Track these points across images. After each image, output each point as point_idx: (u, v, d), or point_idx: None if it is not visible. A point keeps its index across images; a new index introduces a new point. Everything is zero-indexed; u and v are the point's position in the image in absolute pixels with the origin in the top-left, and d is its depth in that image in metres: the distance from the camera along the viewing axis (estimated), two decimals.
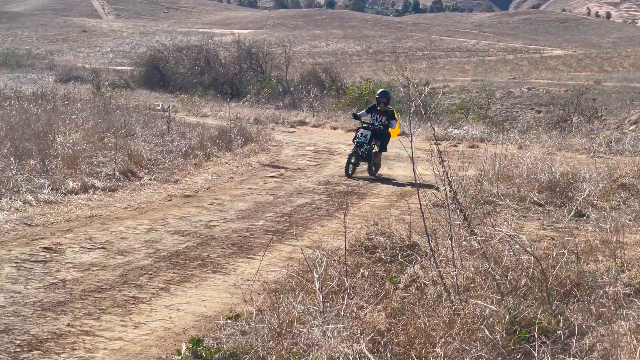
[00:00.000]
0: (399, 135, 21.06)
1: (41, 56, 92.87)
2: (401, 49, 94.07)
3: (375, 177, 20.52)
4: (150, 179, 17.09)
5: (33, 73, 63.55)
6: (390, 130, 20.79)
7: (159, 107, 36.76)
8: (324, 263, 8.42)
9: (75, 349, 7.14)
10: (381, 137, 20.72)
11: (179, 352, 6.97)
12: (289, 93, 47.95)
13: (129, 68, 65.04)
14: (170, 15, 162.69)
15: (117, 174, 16.69)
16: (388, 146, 21.13)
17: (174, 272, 10.01)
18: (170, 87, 53.55)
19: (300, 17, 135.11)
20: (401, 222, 12.00)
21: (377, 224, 11.41)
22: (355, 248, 10.59)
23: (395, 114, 21.03)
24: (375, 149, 20.81)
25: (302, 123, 36.43)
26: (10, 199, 13.31)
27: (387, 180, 19.92)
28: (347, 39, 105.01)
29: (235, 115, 36.44)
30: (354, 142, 20.80)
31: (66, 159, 16.64)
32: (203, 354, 6.85)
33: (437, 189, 12.86)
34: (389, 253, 10.21)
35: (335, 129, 34.93)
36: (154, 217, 13.39)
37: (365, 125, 20.92)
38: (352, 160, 20.28)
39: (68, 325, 7.72)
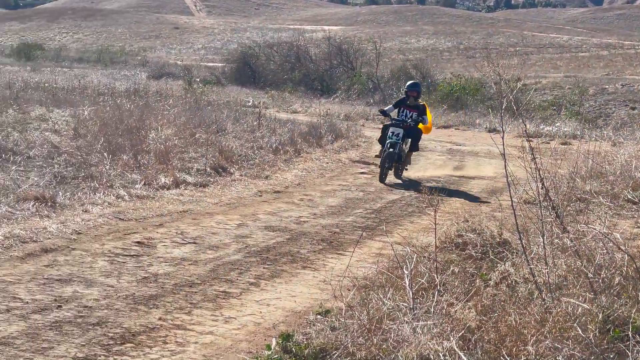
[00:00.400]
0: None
1: (134, 53, 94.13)
2: (492, 45, 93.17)
3: (403, 181, 18.32)
4: (241, 175, 17.19)
5: (126, 70, 64.46)
6: (421, 126, 18.67)
7: (250, 104, 36.96)
8: (414, 259, 8.35)
9: (167, 343, 7.19)
10: (413, 134, 18.54)
11: (268, 347, 6.97)
12: (379, 89, 47.84)
13: (220, 64, 65.52)
14: (261, 12, 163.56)
15: (208, 169, 16.82)
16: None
17: (264, 268, 10.04)
18: (260, 83, 53.80)
19: (390, 13, 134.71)
20: (492, 219, 11.87)
21: (467, 221, 11.30)
22: (446, 245, 10.50)
23: (427, 109, 18.91)
24: (405, 148, 18.54)
25: None
26: (103, 194, 13.50)
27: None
28: (437, 35, 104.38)
29: (325, 111, 36.47)
30: (380, 142, 18.81)
31: (158, 154, 16.83)
32: (293, 349, 6.85)
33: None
34: (480, 250, 10.10)
35: None
36: (245, 213, 13.46)
37: (394, 121, 18.44)
38: (387, 164, 17.92)
39: (160, 318, 7.79)
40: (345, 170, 19.63)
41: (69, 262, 9.60)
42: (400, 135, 18.05)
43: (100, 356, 6.76)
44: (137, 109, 23.29)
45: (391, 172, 18.29)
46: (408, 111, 18.67)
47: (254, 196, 15.18)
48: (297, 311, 8.37)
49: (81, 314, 7.73)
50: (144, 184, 14.66)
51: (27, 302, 7.97)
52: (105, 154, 16.31)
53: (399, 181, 18.24)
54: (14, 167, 14.84)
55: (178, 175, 15.61)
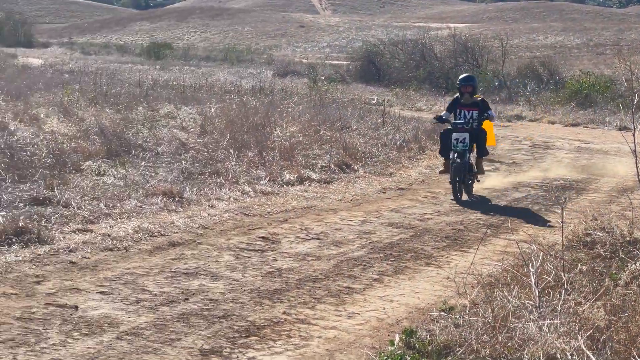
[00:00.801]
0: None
1: (260, 51, 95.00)
2: (624, 41, 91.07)
3: (474, 199, 15.35)
4: (365, 172, 17.21)
5: (252, 68, 65.08)
6: (486, 125, 15.69)
7: (374, 101, 36.94)
8: (540, 257, 8.23)
9: (291, 337, 7.24)
10: (479, 137, 15.46)
11: (392, 343, 6.96)
12: (505, 87, 47.26)
13: (344, 62, 65.63)
14: (387, 9, 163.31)
15: (332, 166, 16.89)
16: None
17: (387, 264, 10.03)
18: (385, 81, 53.69)
19: (518, 10, 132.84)
20: (622, 218, 11.60)
21: (596, 219, 11.08)
22: (573, 243, 10.33)
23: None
24: (473, 156, 15.59)
25: (518, 117, 35.76)
26: (229, 190, 13.68)
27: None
28: (566, 31, 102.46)
29: None
30: (441, 155, 15.89)
31: (283, 151, 16.97)
32: (416, 345, 6.82)
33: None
34: (609, 249, 9.90)
35: (552, 123, 34.13)
36: (368, 209, 13.47)
37: (455, 125, 15.37)
38: (458, 177, 14.88)
39: (284, 313, 7.85)
40: None
41: (196, 255, 9.76)
42: (467, 140, 15.02)
43: (225, 348, 6.85)
44: (262, 107, 23.54)
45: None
46: (466, 111, 15.52)
47: (377, 193, 15.18)
48: (420, 308, 8.34)
49: (207, 307, 7.84)
50: (269, 180, 14.80)
51: (156, 294, 8.13)
52: (231, 151, 16.53)
53: (469, 199, 15.21)
54: (143, 163, 15.17)
55: (302, 172, 15.71)
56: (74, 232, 10.29)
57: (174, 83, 36.22)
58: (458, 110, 15.58)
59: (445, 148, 15.38)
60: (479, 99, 15.73)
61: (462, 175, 14.84)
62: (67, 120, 20.21)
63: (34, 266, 8.81)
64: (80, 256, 9.30)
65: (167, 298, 8.04)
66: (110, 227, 10.61)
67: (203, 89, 34.00)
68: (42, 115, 21.29)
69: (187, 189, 13.28)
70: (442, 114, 15.88)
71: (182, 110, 23.68)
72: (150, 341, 6.88)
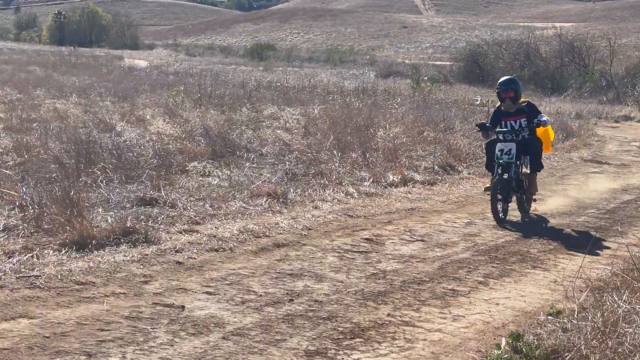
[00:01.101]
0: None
1: (362, 52, 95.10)
2: None
3: (530, 218, 13.35)
4: (469, 173, 17.08)
5: (355, 69, 65.16)
6: (541, 132, 13.51)
7: (478, 102, 36.66)
8: None
9: (396, 339, 7.21)
10: (530, 148, 13.30)
11: (498, 347, 6.87)
12: (613, 87, 46.45)
13: (447, 63, 65.30)
14: (491, 9, 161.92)
15: (436, 167, 16.80)
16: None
17: (492, 266, 9.93)
18: (489, 81, 53.21)
19: (626, 8, 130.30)
20: None
21: None
22: None
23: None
24: (524, 169, 13.56)
25: (627, 118, 35.10)
26: (333, 191, 13.70)
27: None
28: None
29: (555, 110, 35.74)
30: (488, 169, 13.75)
31: (386, 152, 16.94)
32: (523, 349, 6.73)
33: None
34: None
35: None
36: (473, 211, 13.35)
37: (501, 134, 13.19)
38: (500, 195, 12.68)
39: (388, 315, 7.82)
40: (576, 170, 19.15)
41: (300, 257, 9.79)
42: (513, 152, 12.86)
43: (330, 350, 6.85)
44: (365, 108, 23.55)
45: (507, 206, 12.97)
46: (512, 122, 13.32)
47: (482, 195, 15.01)
48: (527, 311, 8.22)
49: (312, 308, 7.86)
50: (372, 182, 14.77)
51: (261, 295, 8.17)
52: (334, 152, 16.55)
53: (525, 219, 13.28)
54: (247, 164, 15.31)
55: (406, 173, 15.66)
56: (180, 232, 10.42)
57: (277, 84, 36.51)
58: (503, 122, 13.33)
59: (491, 161, 13.27)
60: (523, 104, 13.52)
61: (505, 192, 12.67)
62: (172, 122, 20.53)
63: (141, 266, 8.94)
64: (186, 256, 9.41)
65: (272, 299, 8.08)
66: (215, 227, 10.71)
67: (306, 90, 34.19)
68: (147, 117, 21.67)
69: (291, 190, 13.36)
70: (488, 124, 13.69)
71: (286, 112, 23.84)
72: (256, 342, 6.92)
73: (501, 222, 12.48)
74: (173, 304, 7.73)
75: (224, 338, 6.94)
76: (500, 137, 13.12)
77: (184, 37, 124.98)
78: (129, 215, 10.65)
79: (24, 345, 6.53)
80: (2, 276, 8.22)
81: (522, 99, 13.54)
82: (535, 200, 13.68)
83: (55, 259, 8.92)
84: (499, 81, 13.69)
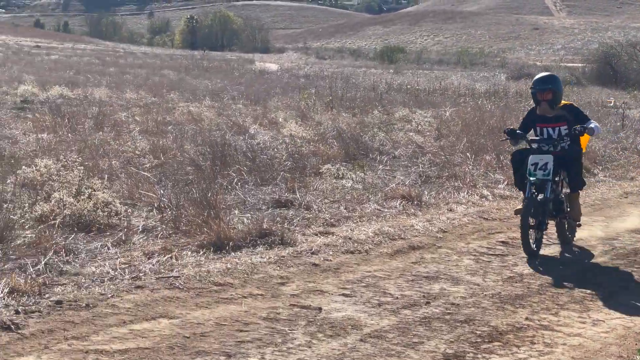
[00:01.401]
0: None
1: (493, 54, 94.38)
2: None
3: (576, 250, 10.72)
4: (605, 176, 16.75)
5: (485, 71, 64.68)
6: (584, 141, 10.95)
7: (611, 104, 35.91)
8: None
9: (534, 343, 7.11)
10: (569, 161, 10.51)
11: None
12: None
13: (579, 65, 64.32)
14: (624, 10, 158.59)
15: None
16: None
17: (632, 270, 9.72)
18: (622, 83, 52.18)
19: None
20: None
21: None
22: None
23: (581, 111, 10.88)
24: (564, 188, 10.90)
25: None
26: (467, 193, 13.61)
27: None
28: None
29: None
30: (518, 187, 11.13)
31: None
32: None
33: None
34: None
35: None
36: (610, 214, 13.08)
37: (534, 144, 10.58)
38: (533, 221, 10.02)
39: (526, 318, 7.72)
40: None
41: (436, 259, 9.75)
42: (550, 166, 10.12)
43: (468, 353, 6.80)
44: (497, 110, 23.30)
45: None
46: (550, 129, 10.62)
47: (619, 198, 14.71)
48: None
49: (449, 311, 7.81)
50: (507, 184, 14.60)
51: (397, 298, 8.16)
52: (467, 154, 16.44)
53: (566, 253, 10.68)
54: (380, 166, 15.33)
55: None
56: (316, 234, 10.49)
57: (408, 87, 36.45)
58: (538, 128, 10.75)
59: (522, 177, 10.53)
60: (565, 108, 10.71)
61: (540, 217, 10.09)
62: (305, 124, 20.67)
63: (278, 267, 9.03)
64: (322, 258, 9.46)
65: (409, 301, 8.06)
66: (350, 230, 10.74)
67: (437, 92, 34.05)
68: (280, 119, 21.88)
69: (426, 193, 13.32)
70: (517, 130, 10.86)
71: (417, 114, 23.76)
72: (393, 344, 6.91)
73: (533, 255, 10.01)
74: (310, 305, 7.78)
75: (361, 340, 6.96)
76: (535, 146, 10.55)
77: (314, 41, 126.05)
78: (264, 217, 10.77)
79: (164, 344, 6.66)
80: (143, 277, 8.40)
81: (563, 102, 10.80)
82: (580, 225, 10.94)
83: (194, 260, 9.08)
84: (535, 78, 10.94)
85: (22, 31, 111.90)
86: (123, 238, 9.73)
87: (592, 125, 10.34)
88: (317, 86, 34.00)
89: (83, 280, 8.12)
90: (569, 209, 10.67)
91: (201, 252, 9.35)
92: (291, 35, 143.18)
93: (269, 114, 23.35)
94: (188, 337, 6.84)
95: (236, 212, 11.20)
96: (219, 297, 7.92)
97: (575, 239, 10.96)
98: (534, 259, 9.89)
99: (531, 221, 9.93)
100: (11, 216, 9.80)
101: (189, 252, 9.33)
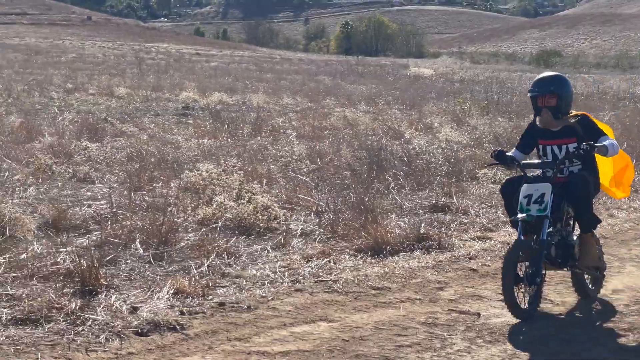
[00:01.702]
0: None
1: None
2: None
3: (597, 308, 8.10)
4: None
5: None
6: (602, 162, 8.29)
7: None
8: None
9: None
10: (576, 191, 7.80)
11: None
12: None
13: None
14: None
15: None
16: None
17: None
18: None
19: None
20: None
21: None
22: None
23: (595, 122, 8.11)
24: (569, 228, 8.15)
25: None
26: (629, 199, 13.24)
27: None
28: None
29: None
30: (512, 224, 8.31)
31: None
32: None
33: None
34: None
35: None
36: None
37: (528, 170, 8.01)
38: (522, 269, 7.50)
39: None
40: None
41: None
42: (547, 198, 7.59)
43: None
44: None
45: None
46: (556, 146, 8.06)
47: None
48: None
49: (612, 319, 7.66)
50: None
51: (557, 304, 8.05)
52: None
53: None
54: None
55: None
56: (473, 239, 10.44)
57: None
58: (541, 146, 8.24)
59: (511, 211, 8.05)
60: (574, 118, 8.06)
61: (533, 266, 7.46)
62: (460, 129, 20.56)
63: (435, 272, 9.02)
64: (480, 264, 9.41)
65: (569, 307, 7.94)
66: (508, 234, 10.61)
67: (595, 96, 33.36)
68: (435, 124, 21.82)
69: None
70: (509, 153, 8.34)
71: None
72: (554, 351, 6.81)
73: (522, 317, 7.39)
74: (468, 310, 7.74)
75: (521, 348, 6.87)
76: (531, 174, 8.03)
77: (468, 45, 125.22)
78: (422, 222, 10.76)
79: (324, 347, 6.72)
80: (302, 280, 8.51)
81: (573, 112, 8.19)
82: (604, 275, 8.50)
83: (352, 264, 9.15)
84: (533, 82, 8.29)
85: (183, 39, 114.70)
86: (282, 241, 9.86)
87: (605, 143, 7.71)
88: (472, 91, 33.77)
89: (244, 283, 8.28)
90: (580, 256, 7.98)
91: (359, 256, 9.41)
92: (445, 40, 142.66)
93: (424, 118, 23.32)
94: (347, 341, 6.89)
95: (393, 216, 11.21)
96: (377, 301, 7.96)
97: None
98: (525, 319, 7.38)
99: (520, 272, 7.48)
100: (175, 219, 10.09)
101: (347, 256, 9.40)
